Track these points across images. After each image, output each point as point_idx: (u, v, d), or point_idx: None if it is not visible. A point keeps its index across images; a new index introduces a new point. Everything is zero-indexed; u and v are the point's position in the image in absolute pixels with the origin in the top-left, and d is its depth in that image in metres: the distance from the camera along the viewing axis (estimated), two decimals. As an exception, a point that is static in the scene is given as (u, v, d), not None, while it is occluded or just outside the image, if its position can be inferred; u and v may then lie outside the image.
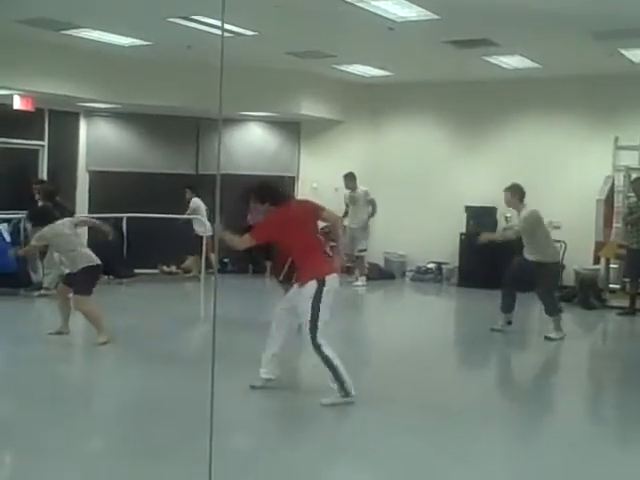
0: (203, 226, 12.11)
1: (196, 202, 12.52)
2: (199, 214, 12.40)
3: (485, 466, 4.61)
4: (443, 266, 13.12)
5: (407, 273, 13.49)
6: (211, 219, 11.69)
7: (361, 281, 12.47)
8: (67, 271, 7.98)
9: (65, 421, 5.24)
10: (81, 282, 7.42)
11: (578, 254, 11.53)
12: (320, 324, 5.47)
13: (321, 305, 5.46)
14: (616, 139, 11.65)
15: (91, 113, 12.93)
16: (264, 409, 5.78)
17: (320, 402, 5.51)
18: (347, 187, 12.59)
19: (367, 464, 4.63)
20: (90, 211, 12.62)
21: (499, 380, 7.33)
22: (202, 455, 3.22)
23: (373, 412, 5.48)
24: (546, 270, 8.42)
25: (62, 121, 12.53)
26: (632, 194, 10.61)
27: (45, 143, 12.40)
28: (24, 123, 11.92)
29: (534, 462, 4.68)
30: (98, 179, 13.04)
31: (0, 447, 4.77)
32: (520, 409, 6.01)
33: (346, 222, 11.42)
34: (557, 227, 11.53)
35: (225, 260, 13.14)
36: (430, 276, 13.16)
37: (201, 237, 12.09)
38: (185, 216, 12.51)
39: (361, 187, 12.59)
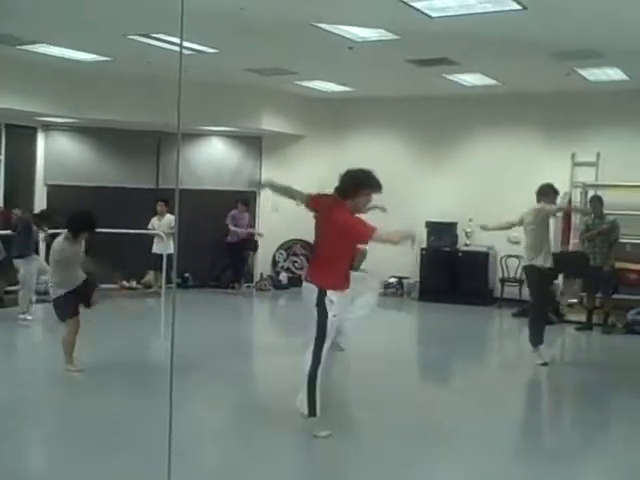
0: (165, 243, 12.05)
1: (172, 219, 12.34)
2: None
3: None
4: (404, 280, 13.20)
5: (368, 288, 13.51)
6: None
7: None
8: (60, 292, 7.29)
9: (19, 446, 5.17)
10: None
11: (537, 269, 11.64)
12: None
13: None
14: (573, 155, 11.84)
15: (49, 127, 12.78)
16: (224, 431, 5.75)
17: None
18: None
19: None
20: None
21: (456, 397, 7.33)
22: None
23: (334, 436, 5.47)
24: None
25: (19, 135, 12.35)
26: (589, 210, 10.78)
27: (2, 157, 12.21)
28: (-20, 137, 11.76)
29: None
30: (56, 193, 12.84)
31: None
32: (475, 426, 6.00)
33: None
34: (516, 242, 11.64)
35: (186, 275, 13.09)
36: (391, 290, 13.23)
37: (170, 253, 12.01)
38: (151, 231, 12.40)
39: None
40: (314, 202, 5.64)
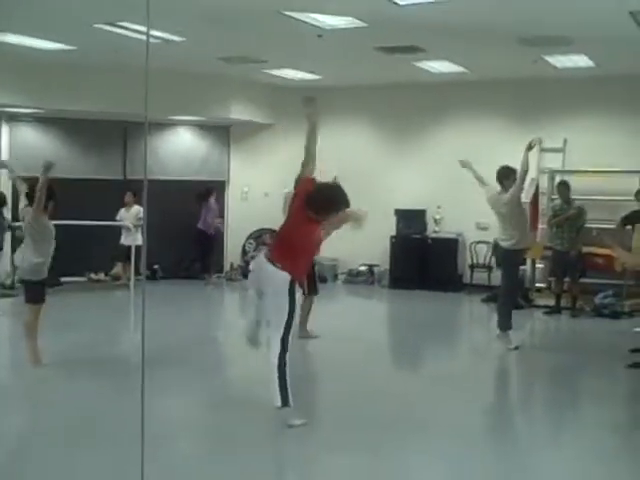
0: (133, 235, 11.96)
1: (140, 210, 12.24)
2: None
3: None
4: (374, 268, 13.25)
5: (339, 276, 13.56)
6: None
7: None
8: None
9: None
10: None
11: (505, 255, 11.75)
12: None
13: None
14: (540, 141, 11.90)
15: (13, 118, 12.56)
16: (197, 423, 5.73)
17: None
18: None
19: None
20: (14, 218, 12.28)
21: (427, 384, 7.37)
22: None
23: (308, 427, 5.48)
24: None
25: (-18, 126, 12.17)
26: (556, 196, 10.89)
27: (-35, 148, 12.02)
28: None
29: (465, 467, 4.76)
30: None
31: None
32: (448, 413, 6.04)
33: None
34: (485, 228, 11.76)
35: (155, 267, 12.99)
36: (362, 278, 13.28)
37: (137, 245, 11.94)
38: (119, 223, 12.28)
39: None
40: (309, 182, 5.63)
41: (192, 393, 6.46)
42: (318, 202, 5.48)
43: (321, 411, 5.99)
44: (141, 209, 12.15)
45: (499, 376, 7.73)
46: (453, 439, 5.29)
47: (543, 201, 11.64)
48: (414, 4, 7.47)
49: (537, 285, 11.64)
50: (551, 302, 10.70)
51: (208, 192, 12.94)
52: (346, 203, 5.67)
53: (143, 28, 8.68)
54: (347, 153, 13.36)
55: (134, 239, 11.92)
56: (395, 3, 7.42)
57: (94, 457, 4.83)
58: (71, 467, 4.68)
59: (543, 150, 11.85)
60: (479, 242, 12.35)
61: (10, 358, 8.30)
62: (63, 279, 12.08)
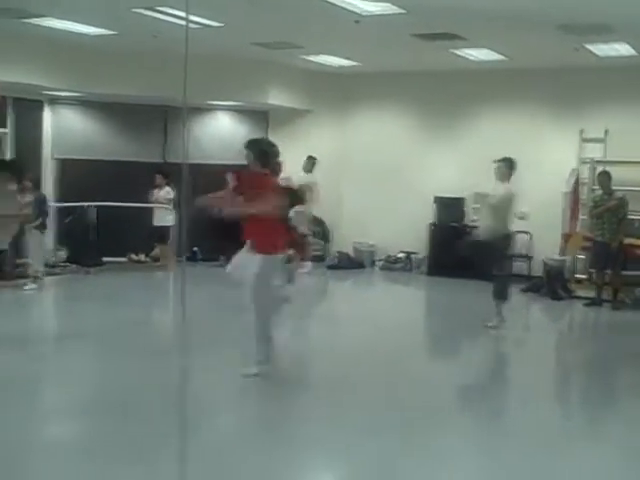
0: (171, 215, 12.14)
1: (170, 191, 12.39)
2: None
3: (452, 463, 4.63)
4: (412, 255, 13.20)
5: (377, 262, 13.55)
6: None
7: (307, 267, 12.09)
8: None
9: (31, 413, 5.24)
10: None
11: (545, 245, 11.65)
12: None
13: None
14: (581, 131, 11.74)
15: (55, 101, 12.75)
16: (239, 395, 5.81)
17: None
18: (304, 170, 12.10)
19: (329, 461, 4.67)
20: (57, 199, 12.53)
21: (464, 373, 7.34)
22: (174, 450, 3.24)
23: (335, 408, 5.50)
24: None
25: (26, 109, 12.32)
26: (597, 187, 10.71)
27: (8, 130, 12.22)
28: (-14, 110, 11.77)
29: (501, 458, 4.73)
30: (65, 167, 12.90)
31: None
32: (485, 403, 6.02)
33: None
34: (522, 218, 11.60)
35: (194, 249, 13.08)
36: (400, 265, 13.24)
37: (169, 226, 12.15)
38: (158, 205, 12.42)
39: (315, 175, 12.18)
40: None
41: (227, 374, 6.50)
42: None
43: (355, 395, 5.99)
44: (171, 190, 12.30)
45: (535, 365, 7.60)
46: (492, 429, 5.26)
47: (584, 191, 11.48)
48: (454, -10, 7.39)
49: (577, 276, 11.48)
50: (591, 294, 10.53)
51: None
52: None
53: (182, 13, 8.72)
54: (384, 138, 13.32)
55: (166, 220, 12.16)
56: (434, -11, 7.35)
57: (130, 429, 4.92)
58: (107, 438, 4.78)
59: (584, 140, 11.69)
60: (518, 232, 12.18)
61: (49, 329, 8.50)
62: (105, 259, 12.28)
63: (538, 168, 11.98)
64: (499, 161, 8.58)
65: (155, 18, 9.19)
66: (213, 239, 12.66)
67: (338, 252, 13.48)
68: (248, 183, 6.23)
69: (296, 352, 7.52)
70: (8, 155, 12.20)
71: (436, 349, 8.43)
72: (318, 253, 13.08)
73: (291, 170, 13.13)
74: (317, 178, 12.16)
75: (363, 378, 6.52)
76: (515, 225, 11.99)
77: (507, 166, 8.53)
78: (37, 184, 10.31)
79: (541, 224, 11.60)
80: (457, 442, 5.05)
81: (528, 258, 11.99)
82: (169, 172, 12.42)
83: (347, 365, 6.88)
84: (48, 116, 12.79)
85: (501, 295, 8.54)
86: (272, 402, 5.78)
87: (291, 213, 11.42)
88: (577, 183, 11.21)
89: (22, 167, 10.79)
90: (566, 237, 11.34)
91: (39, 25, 9.85)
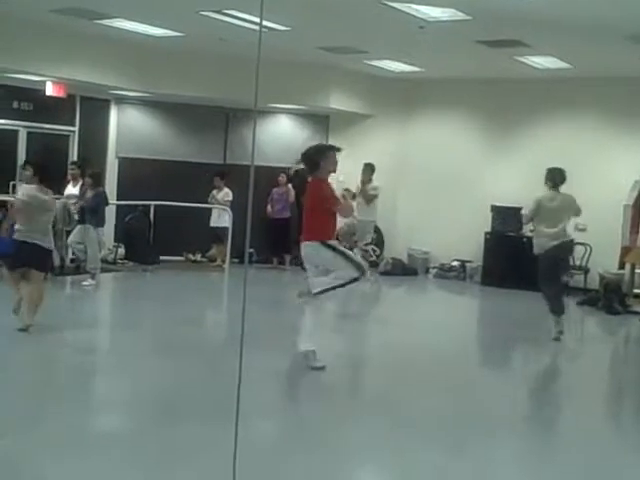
0: (228, 216, 12.31)
1: (228, 192, 12.59)
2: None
3: (503, 474, 4.63)
4: (467, 264, 13.12)
5: (430, 270, 13.51)
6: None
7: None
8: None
9: (91, 406, 5.37)
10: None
11: (603, 258, 11.49)
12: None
13: None
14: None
15: (122, 100, 13.05)
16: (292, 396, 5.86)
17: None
18: (363, 178, 12.15)
19: (381, 469, 4.68)
20: (118, 197, 12.79)
21: (517, 385, 7.30)
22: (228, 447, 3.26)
23: (387, 416, 5.52)
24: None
25: (93, 108, 12.67)
26: (660, 200, 10.54)
27: (76, 129, 12.55)
28: (56, 109, 12.09)
29: (553, 469, 4.70)
30: (127, 166, 13.17)
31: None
32: (540, 415, 6.01)
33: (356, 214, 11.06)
34: (582, 230, 11.46)
35: (250, 250, 13.22)
36: (453, 274, 13.17)
37: (226, 227, 12.31)
38: (217, 206, 12.61)
39: (375, 182, 12.27)
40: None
41: (278, 375, 6.58)
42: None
43: (405, 404, 6.00)
44: (230, 192, 12.49)
45: (586, 381, 7.51)
46: (535, 438, 5.23)
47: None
48: (520, -3, 7.36)
49: (636, 291, 11.27)
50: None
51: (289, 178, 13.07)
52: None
53: (248, 16, 8.87)
54: (444, 145, 13.29)
55: (223, 221, 12.35)
56: (501, -5, 7.34)
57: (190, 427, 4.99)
58: (165, 439, 4.87)
59: (648, 152, 11.50)
60: (576, 244, 12.04)
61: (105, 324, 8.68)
62: (162, 258, 12.49)
63: (599, 179, 11.84)
64: (551, 170, 8.49)
65: (222, 21, 9.34)
66: (267, 241, 12.88)
67: (392, 258, 13.49)
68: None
69: (350, 357, 7.56)
70: (75, 153, 12.55)
71: (491, 359, 8.33)
72: (372, 259, 13.09)
73: (349, 174, 13.28)
74: (379, 184, 12.24)
75: (417, 385, 6.52)
76: (574, 237, 11.91)
77: (558, 174, 8.43)
78: (97, 181, 10.46)
79: (600, 236, 11.47)
80: (511, 452, 5.03)
81: (585, 271, 11.82)
82: (226, 173, 12.63)
83: (400, 372, 6.89)
84: (114, 115, 13.10)
85: (561, 310, 8.48)
86: (325, 405, 5.80)
87: (355, 221, 11.65)
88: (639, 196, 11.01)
89: (84, 164, 11.12)
90: (625, 250, 11.14)
91: (108, 26, 10.10)
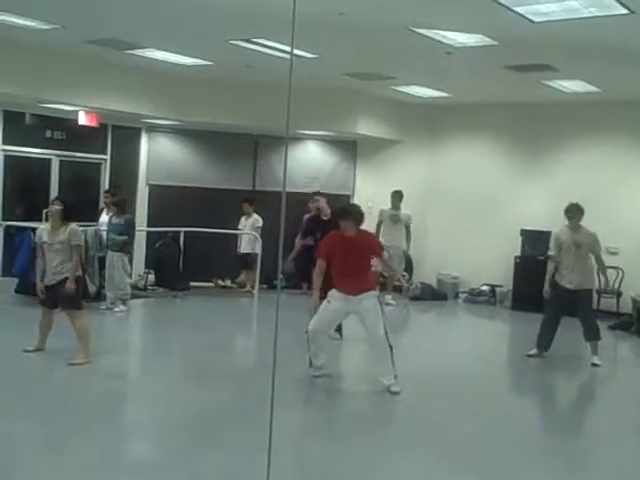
0: (257, 243, 12.34)
1: (258, 219, 12.67)
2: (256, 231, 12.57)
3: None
4: (497, 289, 13.04)
5: (460, 294, 13.44)
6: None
7: (391, 299, 12.23)
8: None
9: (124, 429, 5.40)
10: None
11: (636, 282, 11.37)
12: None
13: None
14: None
15: (152, 129, 13.23)
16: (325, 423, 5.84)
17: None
18: (393, 205, 12.39)
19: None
20: (149, 224, 12.93)
21: (548, 410, 7.23)
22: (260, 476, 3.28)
23: (420, 440, 5.49)
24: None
25: (124, 136, 12.85)
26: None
27: (107, 157, 12.73)
28: (88, 138, 12.28)
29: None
30: (157, 193, 13.31)
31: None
32: (571, 440, 5.94)
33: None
34: (614, 253, 11.38)
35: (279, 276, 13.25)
36: (483, 298, 13.09)
37: (255, 253, 12.34)
38: (246, 232, 12.68)
39: (404, 210, 12.46)
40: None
41: (309, 402, 6.58)
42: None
43: (435, 427, 5.97)
44: (259, 218, 12.57)
45: (618, 407, 7.42)
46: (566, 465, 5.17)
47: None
48: (549, 21, 7.33)
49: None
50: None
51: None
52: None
53: (277, 44, 8.98)
54: (472, 170, 13.28)
55: (252, 248, 12.41)
56: (529, 20, 7.33)
57: (208, 452, 5.00)
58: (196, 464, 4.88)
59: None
60: (608, 267, 11.92)
61: (135, 350, 8.72)
62: (192, 284, 12.56)
63: (630, 201, 11.76)
64: (571, 207, 8.58)
65: (249, 49, 9.45)
66: (297, 267, 12.85)
67: (421, 283, 13.44)
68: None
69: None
70: (107, 181, 12.71)
71: (524, 384, 8.28)
72: (400, 284, 13.05)
73: (377, 199, 13.29)
74: (408, 212, 12.36)
75: (450, 410, 6.50)
76: (605, 260, 11.83)
77: (579, 211, 8.51)
78: (122, 208, 10.57)
79: (632, 260, 11.37)
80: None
81: (617, 294, 11.70)
82: (255, 199, 12.73)
83: (433, 397, 6.87)
84: (145, 143, 13.28)
85: (596, 336, 8.56)
86: (361, 434, 5.80)
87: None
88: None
89: (117, 192, 11.26)
90: (659, 274, 11.04)
91: (139, 56, 10.25)
